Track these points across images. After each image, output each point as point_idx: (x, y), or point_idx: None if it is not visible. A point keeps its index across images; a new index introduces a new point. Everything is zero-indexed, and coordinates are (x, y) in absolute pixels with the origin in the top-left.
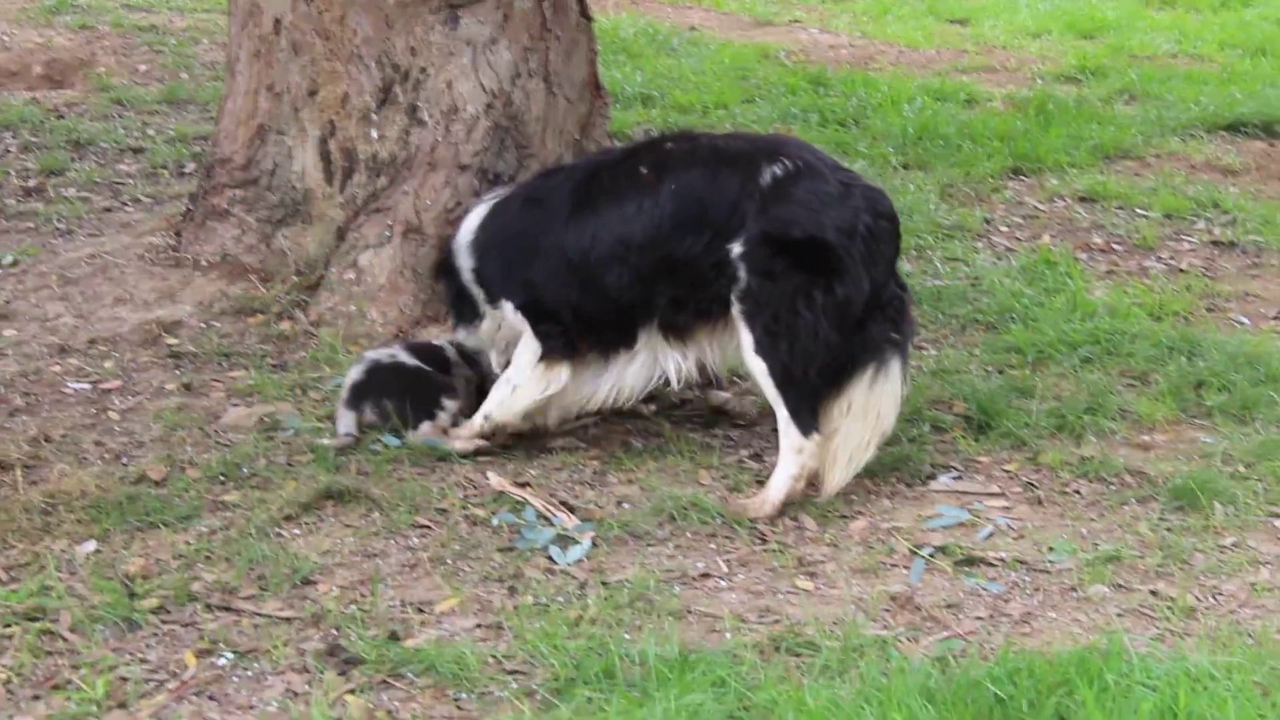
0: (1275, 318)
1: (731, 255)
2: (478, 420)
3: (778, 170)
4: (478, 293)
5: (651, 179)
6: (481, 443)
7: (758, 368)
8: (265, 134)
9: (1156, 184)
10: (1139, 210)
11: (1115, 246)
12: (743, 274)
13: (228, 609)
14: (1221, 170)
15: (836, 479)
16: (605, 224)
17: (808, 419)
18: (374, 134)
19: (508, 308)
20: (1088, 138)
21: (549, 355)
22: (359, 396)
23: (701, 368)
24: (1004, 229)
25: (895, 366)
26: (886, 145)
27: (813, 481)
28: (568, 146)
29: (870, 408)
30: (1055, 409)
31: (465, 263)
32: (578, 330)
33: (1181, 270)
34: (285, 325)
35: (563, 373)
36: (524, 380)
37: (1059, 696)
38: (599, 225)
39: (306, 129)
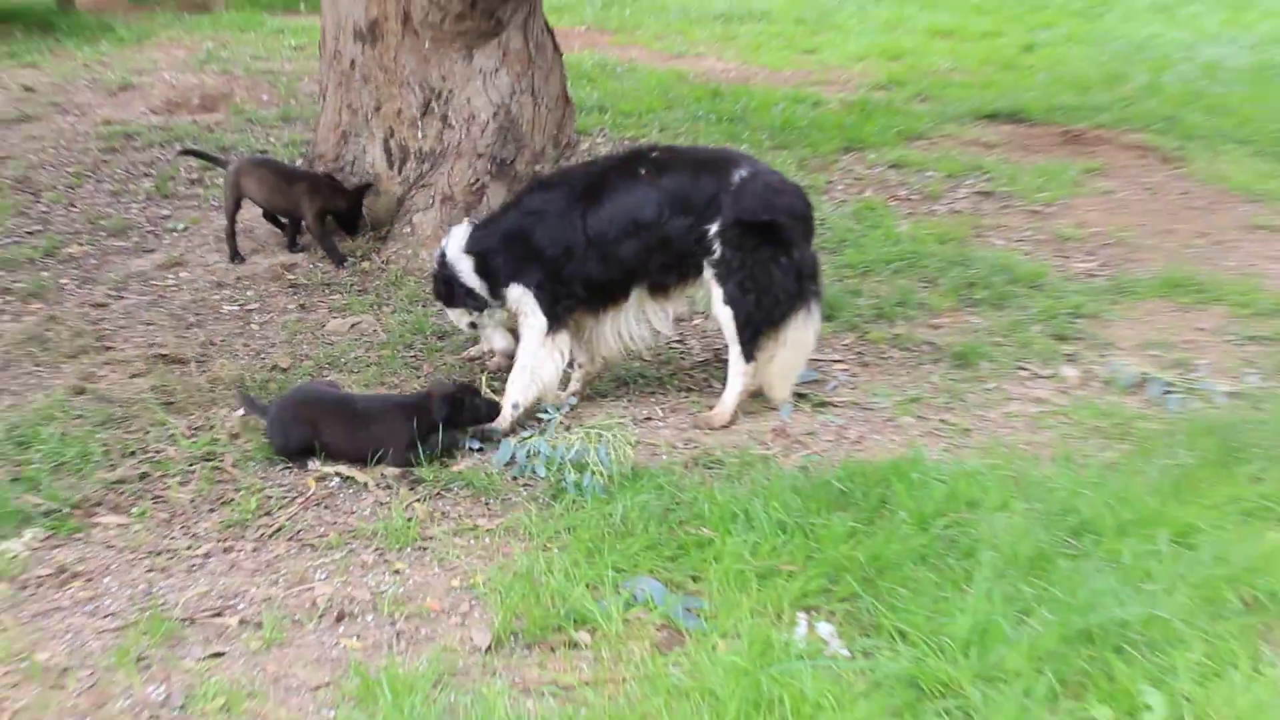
0: (1019, 240)
1: (709, 233)
2: (508, 412)
3: (742, 173)
4: (479, 284)
5: (651, 176)
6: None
7: (725, 315)
8: (347, 137)
9: (940, 155)
10: (929, 172)
11: (914, 196)
12: (717, 247)
13: None
14: (984, 145)
15: (781, 392)
16: (620, 209)
17: (751, 351)
18: (420, 134)
19: (516, 291)
20: (894, 126)
21: (554, 328)
22: None
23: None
24: (840, 187)
25: (816, 310)
26: (761, 134)
27: (753, 395)
28: (549, 139)
29: (801, 341)
30: (876, 303)
31: (464, 265)
32: (585, 297)
33: (957, 211)
34: (366, 264)
35: (565, 339)
36: (539, 360)
37: (882, 489)
38: (615, 210)
39: (375, 133)
